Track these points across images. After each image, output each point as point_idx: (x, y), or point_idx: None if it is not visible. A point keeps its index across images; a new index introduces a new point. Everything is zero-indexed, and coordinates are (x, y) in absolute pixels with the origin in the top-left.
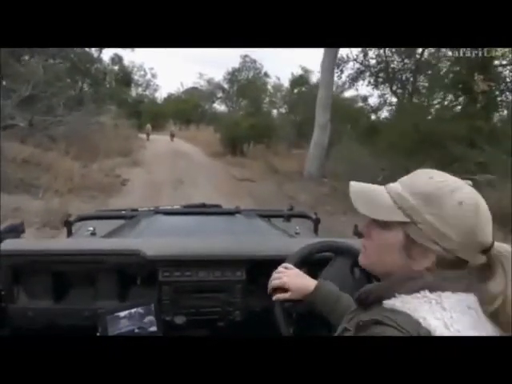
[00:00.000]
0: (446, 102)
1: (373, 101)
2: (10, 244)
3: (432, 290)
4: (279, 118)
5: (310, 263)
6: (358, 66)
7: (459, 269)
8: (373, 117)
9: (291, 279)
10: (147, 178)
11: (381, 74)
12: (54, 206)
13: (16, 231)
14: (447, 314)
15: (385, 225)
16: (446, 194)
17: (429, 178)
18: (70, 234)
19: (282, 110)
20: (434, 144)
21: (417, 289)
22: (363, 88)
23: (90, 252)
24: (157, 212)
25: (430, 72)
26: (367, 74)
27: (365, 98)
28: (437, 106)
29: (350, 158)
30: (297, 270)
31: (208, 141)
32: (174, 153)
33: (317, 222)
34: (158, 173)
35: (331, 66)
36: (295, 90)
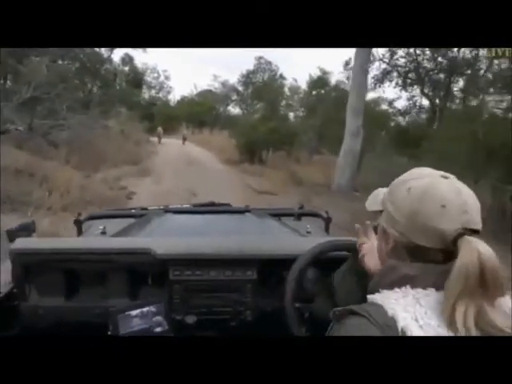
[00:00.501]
0: (504, 104)
1: (400, 104)
2: (21, 243)
3: (414, 285)
4: (297, 122)
5: (322, 263)
6: (384, 65)
7: (431, 260)
8: (403, 120)
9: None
10: (156, 190)
11: (410, 75)
12: (44, 228)
13: (27, 230)
14: (421, 310)
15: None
16: (403, 182)
17: (408, 172)
18: (80, 232)
19: (300, 113)
20: (495, 155)
21: (396, 280)
22: (388, 90)
23: (101, 251)
24: (167, 211)
25: (469, 71)
26: (394, 74)
27: (391, 101)
28: (494, 110)
29: (385, 169)
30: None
31: (222, 146)
32: (187, 159)
33: (328, 220)
34: (168, 183)
35: (364, 65)
36: (313, 92)
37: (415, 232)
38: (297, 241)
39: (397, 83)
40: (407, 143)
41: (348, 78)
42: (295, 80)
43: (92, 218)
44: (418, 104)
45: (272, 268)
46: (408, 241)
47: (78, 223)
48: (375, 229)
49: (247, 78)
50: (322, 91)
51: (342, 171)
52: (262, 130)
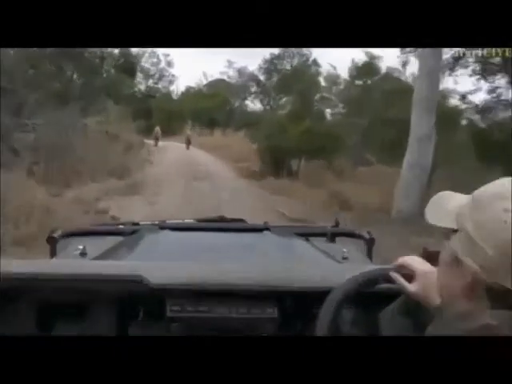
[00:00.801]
0: None
1: (478, 97)
2: None
3: None
4: (335, 121)
5: (364, 298)
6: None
7: None
8: (480, 119)
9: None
10: (149, 215)
11: (492, 60)
12: None
13: None
14: None
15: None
16: (498, 198)
17: (496, 181)
18: (53, 253)
19: (339, 110)
20: None
21: (469, 332)
22: (462, 79)
23: (80, 277)
24: (163, 227)
25: None
26: (470, 59)
27: (464, 94)
28: None
29: (469, 187)
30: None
31: (239, 152)
32: (191, 170)
33: (370, 243)
34: (164, 205)
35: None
36: (357, 83)
37: (507, 271)
38: (331, 268)
39: (474, 70)
40: (491, 150)
41: (404, 64)
42: (333, 67)
43: (69, 234)
44: (502, 98)
45: (298, 304)
46: (494, 281)
47: (52, 241)
48: (435, 254)
49: (271, 65)
50: (369, 81)
51: (407, 191)
52: (291, 131)
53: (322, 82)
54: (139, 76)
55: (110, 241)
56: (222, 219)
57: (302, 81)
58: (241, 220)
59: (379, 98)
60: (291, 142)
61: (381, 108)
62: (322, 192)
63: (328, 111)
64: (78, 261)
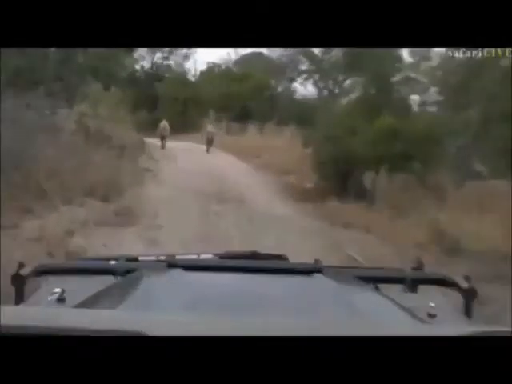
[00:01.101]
0: None
1: None
2: None
3: None
4: (428, 116)
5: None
6: None
7: None
8: None
9: None
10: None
11: None
12: None
13: None
14: None
15: None
16: None
17: None
18: (20, 297)
19: (432, 98)
20: None
21: None
22: None
23: (57, 332)
24: (172, 265)
25: None
26: None
27: None
28: None
29: None
30: None
31: (284, 160)
32: (213, 186)
33: (470, 294)
34: (170, 243)
35: None
36: (460, 57)
37: None
38: (411, 330)
39: None
40: None
41: None
42: None
43: (43, 272)
44: None
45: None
46: None
47: (20, 281)
48: None
49: None
50: (478, 54)
51: None
52: (362, 129)
53: (407, 57)
54: (141, 49)
55: (98, 282)
56: (254, 255)
57: (377, 55)
58: (281, 257)
59: (495, 80)
60: (362, 146)
61: (498, 95)
62: (412, 223)
63: (415, 99)
64: (54, 309)
